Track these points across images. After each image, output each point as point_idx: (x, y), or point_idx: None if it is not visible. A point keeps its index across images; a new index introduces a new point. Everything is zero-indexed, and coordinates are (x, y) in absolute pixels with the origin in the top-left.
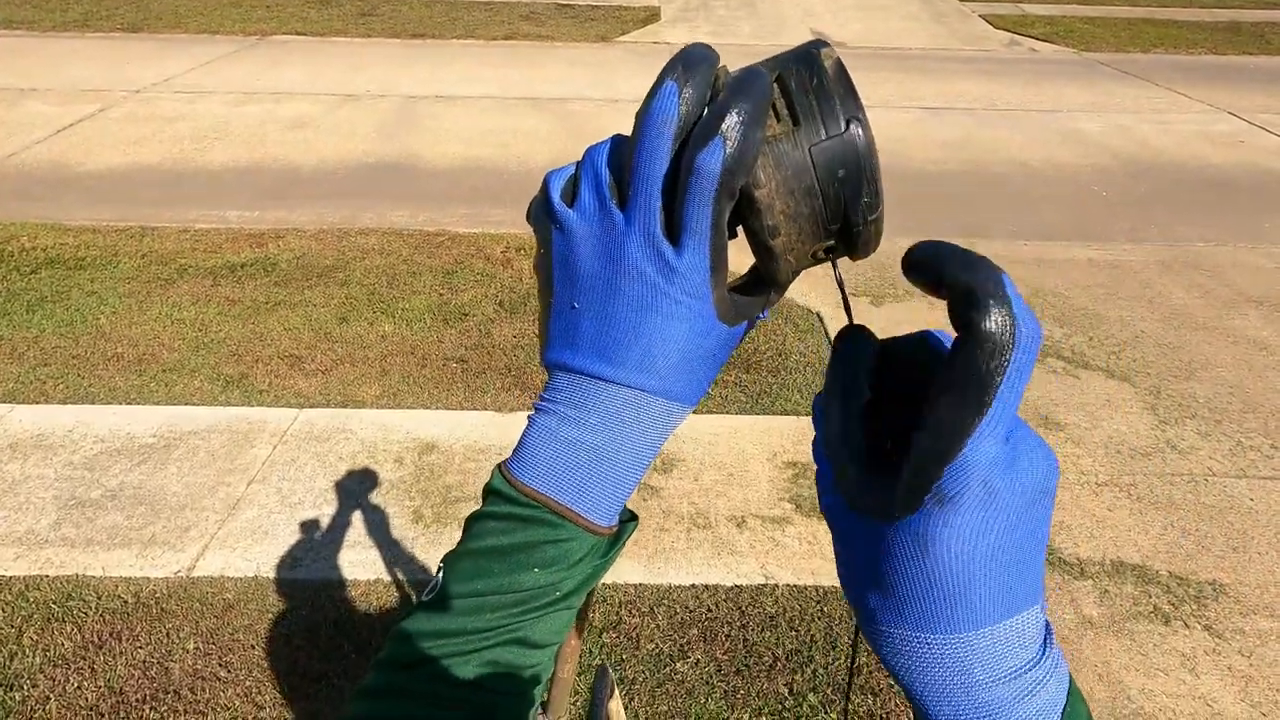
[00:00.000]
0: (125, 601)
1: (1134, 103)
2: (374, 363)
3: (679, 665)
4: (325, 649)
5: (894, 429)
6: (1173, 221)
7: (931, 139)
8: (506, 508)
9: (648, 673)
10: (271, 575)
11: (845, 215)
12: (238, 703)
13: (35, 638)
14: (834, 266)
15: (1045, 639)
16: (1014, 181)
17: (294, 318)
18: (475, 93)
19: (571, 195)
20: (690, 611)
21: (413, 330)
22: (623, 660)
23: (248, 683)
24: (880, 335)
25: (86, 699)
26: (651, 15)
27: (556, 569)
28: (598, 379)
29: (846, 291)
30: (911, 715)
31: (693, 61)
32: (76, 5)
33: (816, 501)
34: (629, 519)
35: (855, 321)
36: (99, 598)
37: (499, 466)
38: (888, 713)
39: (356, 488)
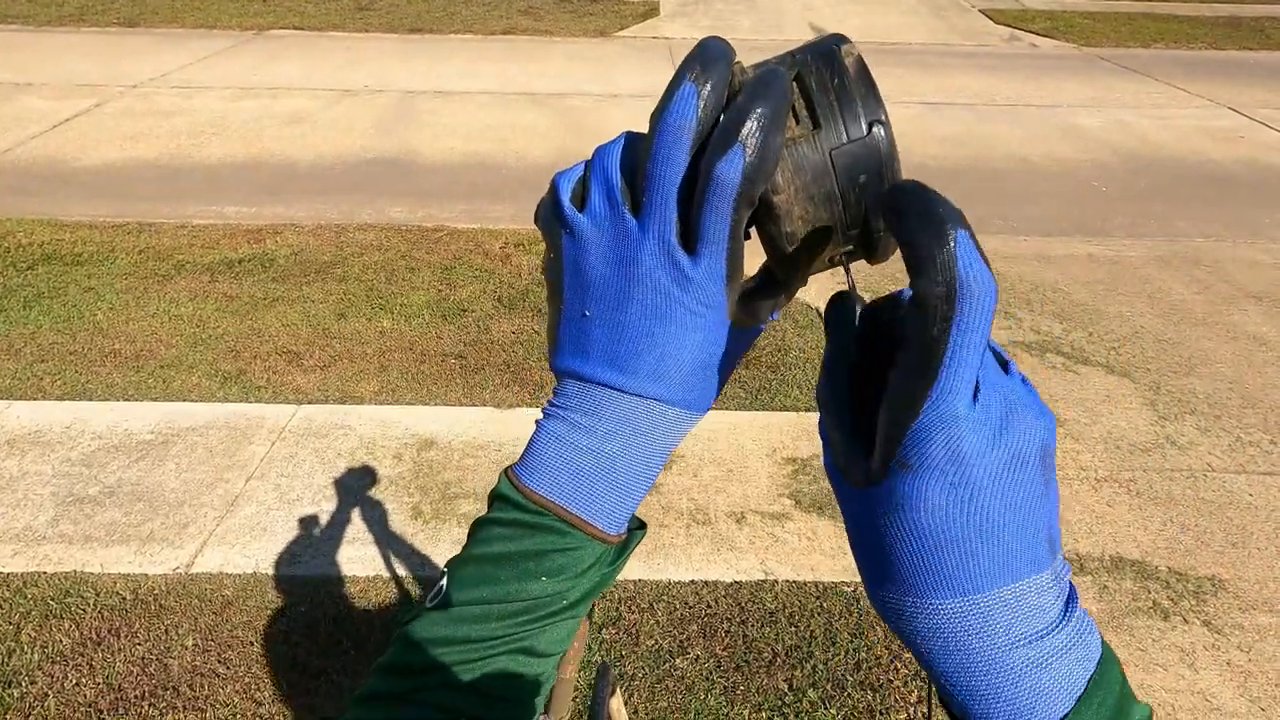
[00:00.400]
0: (124, 598)
1: (1134, 98)
2: (372, 359)
3: (679, 661)
4: (324, 645)
5: (879, 395)
6: (1172, 217)
7: (931, 134)
8: (514, 514)
9: (647, 669)
10: (270, 571)
11: (865, 221)
12: (236, 699)
13: (34, 634)
14: (846, 271)
15: (1068, 607)
16: (1014, 177)
17: (292, 314)
18: (473, 88)
19: (581, 198)
20: (690, 607)
21: (411, 326)
22: (622, 656)
23: (246, 679)
24: None
25: (85, 696)
26: (650, 10)
27: (564, 577)
28: (609, 388)
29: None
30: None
31: (710, 59)
32: None
33: (816, 498)
34: (637, 527)
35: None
36: (97, 594)
37: (506, 471)
38: (887, 708)
39: (355, 484)
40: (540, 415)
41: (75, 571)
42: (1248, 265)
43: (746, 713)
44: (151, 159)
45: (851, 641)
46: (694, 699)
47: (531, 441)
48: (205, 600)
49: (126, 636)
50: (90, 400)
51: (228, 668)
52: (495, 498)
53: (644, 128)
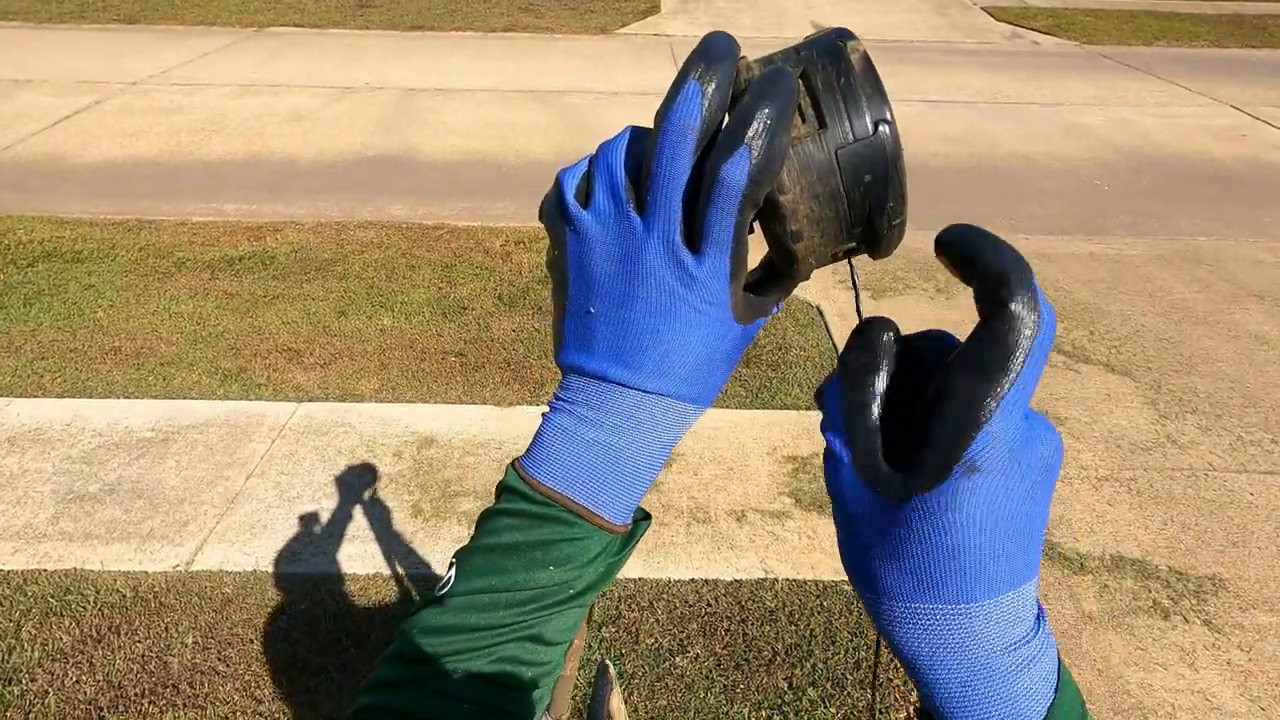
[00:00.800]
0: (124, 596)
1: (1136, 96)
2: (373, 356)
3: (678, 660)
4: (324, 643)
5: (905, 415)
6: (1174, 215)
7: (933, 132)
8: (521, 505)
9: (647, 667)
10: (270, 569)
11: (869, 219)
12: (236, 697)
13: (34, 632)
14: (850, 267)
15: (1038, 615)
16: (1015, 175)
17: (292, 311)
18: (474, 85)
19: (586, 195)
20: (690, 606)
21: (411, 324)
22: (622, 655)
23: (246, 677)
24: None
25: (85, 693)
26: (651, 7)
27: (570, 567)
28: (615, 383)
29: (859, 289)
30: (910, 712)
31: (715, 57)
32: None
33: (816, 496)
34: (642, 518)
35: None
36: (97, 592)
37: (513, 464)
38: (887, 707)
39: (355, 482)
40: (545, 409)
41: (75, 569)
42: (1249, 264)
43: (746, 711)
44: (152, 156)
45: (851, 640)
46: (694, 697)
47: (538, 435)
48: (205, 598)
49: (126, 634)
50: (90, 398)
51: (228, 665)
52: (503, 490)
53: (645, 125)
